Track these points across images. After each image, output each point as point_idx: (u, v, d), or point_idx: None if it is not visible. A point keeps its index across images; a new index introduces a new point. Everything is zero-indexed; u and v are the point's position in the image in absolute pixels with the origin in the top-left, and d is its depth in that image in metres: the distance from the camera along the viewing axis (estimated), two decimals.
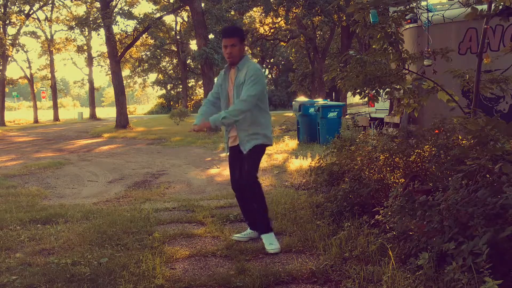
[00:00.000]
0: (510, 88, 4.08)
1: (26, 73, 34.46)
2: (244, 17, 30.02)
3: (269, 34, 34.29)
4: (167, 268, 3.16)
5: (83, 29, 29.93)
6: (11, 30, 31.43)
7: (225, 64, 3.80)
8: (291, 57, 40.35)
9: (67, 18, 33.13)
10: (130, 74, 43.09)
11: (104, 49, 36.76)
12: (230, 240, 3.74)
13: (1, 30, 28.52)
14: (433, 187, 3.16)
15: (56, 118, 36.64)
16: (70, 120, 39.02)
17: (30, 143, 16.00)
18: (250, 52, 37.58)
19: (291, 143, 11.55)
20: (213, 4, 18.69)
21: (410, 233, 2.96)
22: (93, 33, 34.33)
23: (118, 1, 24.94)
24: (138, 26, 22.74)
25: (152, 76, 49.72)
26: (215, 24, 18.61)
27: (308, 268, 3.02)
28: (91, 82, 38.18)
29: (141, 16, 22.98)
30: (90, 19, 23.89)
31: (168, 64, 46.08)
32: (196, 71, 38.47)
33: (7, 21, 29.06)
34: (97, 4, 25.52)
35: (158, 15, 25.25)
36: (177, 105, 41.74)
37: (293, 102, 12.86)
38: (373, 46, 4.29)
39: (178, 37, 36.62)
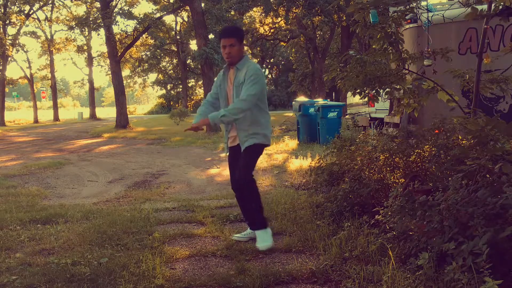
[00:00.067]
0: (510, 88, 4.08)
1: (26, 73, 34.48)
2: (244, 17, 30.03)
3: (269, 34, 34.30)
4: (167, 268, 3.16)
5: (83, 29, 29.93)
6: (11, 30, 31.52)
7: (225, 64, 3.80)
8: (291, 57, 40.36)
9: (67, 18, 33.14)
10: (130, 74, 43.10)
11: (104, 49, 36.85)
12: (230, 240, 3.74)
13: (1, 30, 28.52)
14: (433, 187, 3.16)
15: (56, 118, 36.66)
16: (70, 120, 39.03)
17: (30, 143, 16.00)
18: (250, 52, 37.59)
19: (291, 143, 11.55)
20: (213, 4, 18.69)
21: (410, 233, 2.96)
22: (93, 33, 34.43)
23: (118, 1, 24.98)
24: (138, 26, 22.75)
25: (152, 76, 49.82)
26: (215, 24, 18.61)
27: (308, 268, 3.02)
28: (91, 82, 38.19)
29: (141, 16, 22.98)
30: (90, 19, 23.89)
31: (168, 64, 46.09)
32: (196, 71, 38.47)
33: (7, 21, 29.06)
34: (97, 4, 25.53)
35: (158, 15, 25.25)
36: (177, 105, 41.76)
37: (293, 102, 12.86)
38: (373, 46, 4.28)
39: (178, 37, 36.62)
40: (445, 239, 2.54)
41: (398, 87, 4.26)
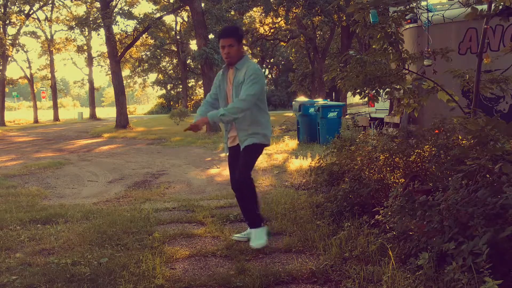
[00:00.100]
0: (510, 88, 4.08)
1: (26, 73, 34.49)
2: (244, 17, 30.02)
3: (269, 34, 34.30)
4: (167, 268, 3.16)
5: (83, 29, 29.93)
6: (11, 30, 31.53)
7: (224, 64, 3.80)
8: (291, 57, 40.35)
9: (67, 18, 33.15)
10: (130, 74, 43.10)
11: (104, 49, 36.85)
12: (230, 240, 3.74)
13: (1, 30, 28.53)
14: (433, 187, 3.16)
15: (56, 118, 36.66)
16: (70, 120, 39.03)
17: (30, 143, 16.00)
18: (250, 52, 37.57)
19: (291, 143, 11.55)
20: (213, 4, 18.69)
21: (410, 233, 2.96)
22: (93, 33, 34.42)
23: (118, 1, 24.99)
24: (138, 26, 22.75)
25: (152, 76, 49.80)
26: (215, 24, 18.60)
27: (308, 268, 3.02)
28: (91, 82, 38.19)
29: (141, 16, 22.99)
30: (90, 19, 23.90)
31: (168, 64, 46.08)
32: (196, 71, 38.46)
33: (7, 21, 29.06)
34: (97, 4, 25.53)
35: (158, 15, 25.24)
36: (177, 105, 41.76)
37: (293, 102, 12.86)
38: (373, 46, 4.28)
39: (178, 37, 36.61)
40: (445, 239, 2.54)
41: (398, 87, 4.26)
